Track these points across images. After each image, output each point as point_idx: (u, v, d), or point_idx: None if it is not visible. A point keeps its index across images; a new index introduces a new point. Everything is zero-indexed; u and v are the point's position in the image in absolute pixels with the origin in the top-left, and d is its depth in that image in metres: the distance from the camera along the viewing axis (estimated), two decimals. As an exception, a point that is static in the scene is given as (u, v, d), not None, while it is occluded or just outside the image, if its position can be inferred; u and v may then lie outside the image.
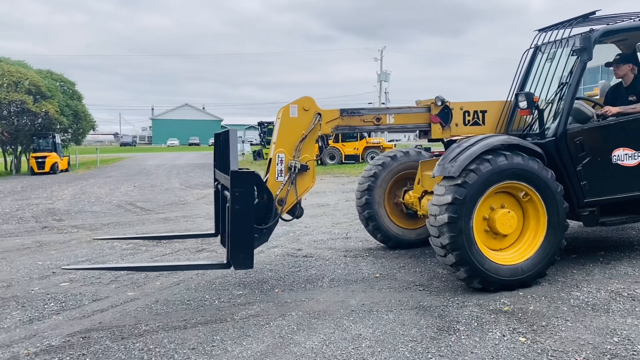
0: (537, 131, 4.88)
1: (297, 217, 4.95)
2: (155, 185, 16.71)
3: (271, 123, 34.35)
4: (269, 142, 33.28)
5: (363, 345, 3.45)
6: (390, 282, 4.86)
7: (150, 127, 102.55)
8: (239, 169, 4.23)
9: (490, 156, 4.33)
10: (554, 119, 4.86)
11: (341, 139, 26.76)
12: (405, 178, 6.10)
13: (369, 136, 26.97)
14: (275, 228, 7.16)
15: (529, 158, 4.43)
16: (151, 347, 3.55)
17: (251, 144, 45.52)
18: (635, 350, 3.17)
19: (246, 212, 4.17)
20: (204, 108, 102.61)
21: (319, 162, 25.82)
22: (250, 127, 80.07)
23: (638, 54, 5.57)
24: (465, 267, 4.27)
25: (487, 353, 3.24)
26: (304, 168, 4.76)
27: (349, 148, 26.51)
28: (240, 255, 4.22)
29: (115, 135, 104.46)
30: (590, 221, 4.98)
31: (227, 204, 4.23)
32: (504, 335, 3.49)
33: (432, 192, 4.63)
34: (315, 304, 4.31)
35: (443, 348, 3.35)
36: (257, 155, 33.75)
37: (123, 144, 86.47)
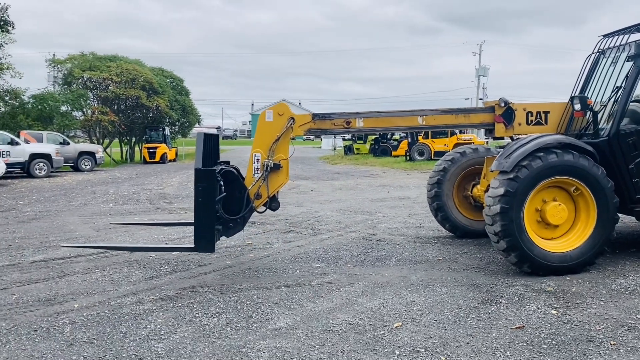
0: (592, 131, 5.23)
1: (273, 210, 5.51)
2: (252, 176, 18.06)
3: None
4: (360, 138, 34.07)
5: (414, 308, 4.12)
6: (450, 264, 5.46)
7: (249, 121, 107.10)
8: (225, 165, 4.92)
9: (542, 153, 4.79)
10: (608, 120, 5.19)
11: (431, 135, 26.93)
12: (474, 173, 6.61)
13: (461, 132, 26.89)
14: (355, 217, 7.96)
15: (579, 156, 4.83)
16: (243, 300, 4.44)
17: (343, 139, 46.53)
18: (653, 326, 3.59)
19: (208, 204, 4.73)
20: (299, 103, 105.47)
21: (408, 157, 26.20)
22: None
23: None
24: (515, 253, 4.78)
25: (519, 320, 3.80)
26: (276, 166, 5.28)
27: (439, 144, 26.62)
28: (202, 240, 4.82)
29: (218, 128, 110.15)
30: None
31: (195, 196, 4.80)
32: (538, 308, 4.01)
33: None
34: (380, 277, 5.02)
35: (482, 315, 3.94)
36: (348, 150, 34.57)
37: (225, 137, 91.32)
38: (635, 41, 5.27)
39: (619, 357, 3.16)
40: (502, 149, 6.96)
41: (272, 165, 5.29)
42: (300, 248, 6.40)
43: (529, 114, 5.79)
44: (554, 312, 3.93)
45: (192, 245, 4.98)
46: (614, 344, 3.33)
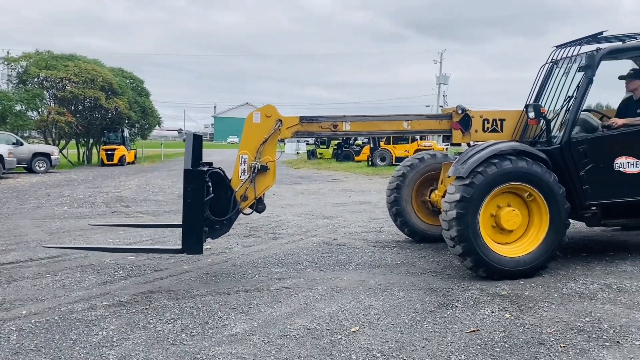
0: (545, 139, 5.39)
1: (258, 212, 5.52)
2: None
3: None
4: (323, 142, 34.19)
5: (371, 313, 4.13)
6: (408, 268, 5.51)
7: (212, 124, 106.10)
8: (217, 167, 4.95)
9: (497, 160, 4.90)
10: (560, 129, 5.36)
11: (392, 141, 27.24)
12: (432, 178, 6.70)
13: (421, 139, 27.30)
14: (316, 222, 7.97)
15: (533, 163, 4.96)
16: (200, 306, 4.36)
17: (307, 144, 46.57)
18: (600, 328, 3.70)
19: (197, 205, 4.72)
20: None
21: (370, 163, 26.42)
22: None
23: None
24: (471, 257, 4.86)
25: (473, 324, 3.86)
26: (264, 168, 5.31)
27: (400, 150, 26.95)
28: (190, 241, 4.79)
29: (179, 131, 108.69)
30: (592, 222, 5.47)
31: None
32: (492, 312, 4.08)
33: None
34: (339, 282, 5.02)
35: (438, 318, 3.99)
36: (312, 154, 34.66)
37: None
38: (585, 53, 5.46)
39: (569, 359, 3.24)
40: (459, 156, 7.11)
41: (259, 167, 5.29)
42: (260, 252, 6.35)
43: (485, 121, 5.90)
44: (507, 315, 4.01)
45: (179, 247, 4.93)
46: (564, 347, 3.41)
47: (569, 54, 5.76)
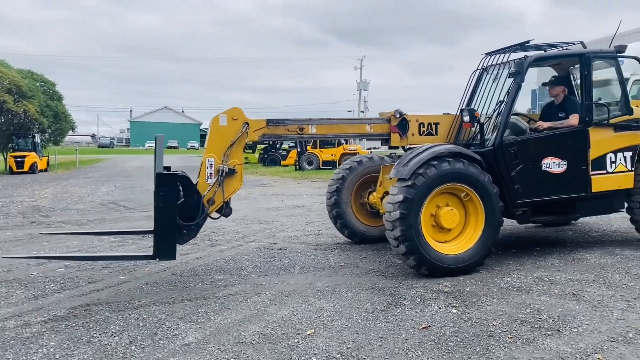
0: (479, 141, 5.67)
1: (225, 216, 5.45)
2: (136, 187, 17.19)
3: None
4: (249, 147, 33.83)
5: (324, 315, 4.15)
6: (352, 269, 5.58)
7: (128, 129, 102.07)
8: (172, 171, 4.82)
9: (436, 162, 5.09)
10: (493, 132, 5.67)
11: (319, 145, 27.49)
12: (370, 181, 6.84)
13: (347, 143, 27.75)
14: (253, 227, 7.91)
15: (469, 164, 5.20)
16: (145, 316, 4.19)
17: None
18: (540, 318, 3.94)
19: (169, 209, 4.64)
20: (182, 111, 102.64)
21: (297, 167, 26.51)
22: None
23: (571, 77, 6.43)
24: (414, 256, 5.02)
25: (424, 320, 3.98)
26: (231, 172, 5.23)
27: (327, 154, 27.24)
28: (163, 247, 4.69)
29: (93, 136, 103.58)
30: (522, 219, 5.82)
31: (154, 202, 4.69)
32: (440, 308, 4.23)
33: None
34: (286, 286, 5.00)
35: (389, 317, 4.07)
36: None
37: (101, 146, 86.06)
38: (514, 60, 5.81)
39: (517, 349, 3.42)
40: (393, 158, 7.30)
41: (227, 170, 5.19)
42: (199, 260, 6.19)
43: (421, 125, 6.12)
44: (454, 311, 4.17)
45: (150, 254, 4.78)
46: (511, 337, 3.60)
47: (498, 61, 6.10)
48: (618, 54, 6.12)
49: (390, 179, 5.34)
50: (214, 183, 5.19)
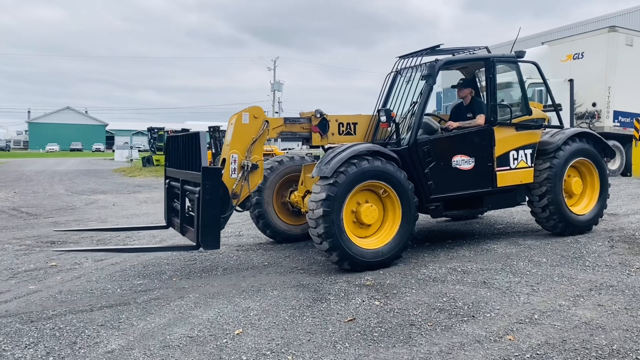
0: (395, 140, 5.92)
1: (247, 210, 5.87)
2: (38, 192, 16.13)
3: (161, 129, 33.82)
4: (159, 149, 32.79)
5: (251, 314, 4.16)
6: (276, 268, 5.62)
7: (26, 131, 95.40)
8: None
9: (356, 160, 5.27)
10: (407, 131, 5.95)
11: (233, 146, 27.16)
12: (292, 180, 6.91)
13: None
14: (170, 230, 7.75)
15: (386, 162, 5.43)
16: (61, 326, 3.98)
17: (139, 151, 44.20)
18: (456, 306, 4.20)
19: (214, 201, 4.98)
20: (86, 112, 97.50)
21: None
22: (138, 133, 77.30)
23: (477, 79, 6.88)
24: (337, 252, 5.15)
25: (349, 313, 4.10)
26: (254, 167, 5.57)
27: (241, 155, 26.98)
28: (209, 237, 4.99)
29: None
30: (435, 214, 6.16)
31: (196, 195, 5.00)
32: (363, 301, 4.38)
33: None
34: (210, 288, 4.95)
35: (315, 312, 4.16)
36: (147, 161, 33.04)
37: (-6, 149, 79.75)
38: (426, 63, 6.12)
39: (437, 336, 3.62)
40: (311, 157, 7.42)
41: (251, 166, 5.52)
42: (116, 266, 5.96)
43: (341, 125, 6.29)
44: (377, 303, 4.33)
45: (194, 244, 5.09)
46: (431, 325, 3.80)
47: (411, 64, 6.39)
48: (518, 59, 6.60)
49: (313, 177, 5.44)
50: (240, 178, 5.51)
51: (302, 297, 4.57)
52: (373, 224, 5.54)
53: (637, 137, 15.15)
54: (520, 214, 8.81)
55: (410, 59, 6.46)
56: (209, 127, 27.87)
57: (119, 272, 5.66)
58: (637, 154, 15.06)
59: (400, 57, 6.67)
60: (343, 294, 4.60)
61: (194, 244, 5.13)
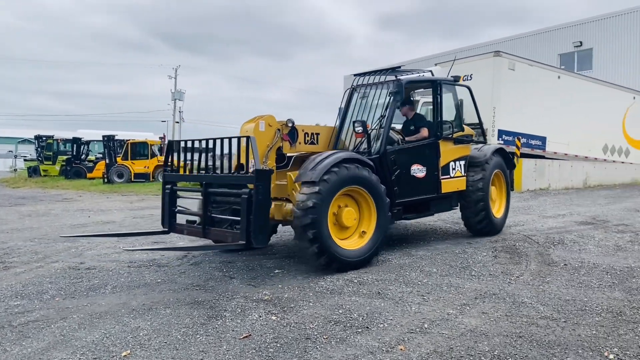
0: (366, 150, 6.51)
1: None
2: None
3: (51, 137, 31.60)
4: (47, 158, 30.63)
5: (141, 334, 3.95)
6: (170, 285, 5.40)
7: None
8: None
9: (337, 168, 5.64)
10: (377, 141, 6.55)
11: (131, 156, 26.06)
12: None
13: (161, 154, 26.73)
14: (55, 246, 7.28)
15: (363, 168, 5.87)
16: None
17: (25, 160, 40.90)
18: (352, 317, 4.26)
19: (266, 200, 5.22)
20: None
21: (106, 180, 24.74)
22: (25, 141, 71.68)
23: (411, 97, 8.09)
24: (325, 255, 5.51)
25: (244, 329, 4.02)
26: (270, 171, 5.56)
27: (139, 166, 25.94)
28: (260, 235, 5.17)
29: None
30: (397, 217, 6.76)
31: (245, 196, 5.18)
32: (260, 316, 4.32)
33: None
34: (97, 307, 4.64)
35: (210, 330, 4.03)
36: (33, 172, 30.72)
37: None
38: (392, 80, 6.84)
39: (332, 349, 3.64)
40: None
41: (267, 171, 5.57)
42: (-12, 286, 5.43)
43: (306, 135, 6.60)
44: (274, 317, 4.28)
45: (244, 242, 5.21)
46: (327, 338, 3.82)
47: (367, 82, 7.17)
48: (455, 83, 7.67)
49: (296, 182, 5.69)
50: None
51: (196, 314, 4.42)
52: (351, 226, 5.91)
53: (518, 155, 16.45)
54: (414, 225, 9.19)
55: (367, 77, 7.19)
56: (103, 137, 26.54)
57: (-8, 293, 5.15)
58: (518, 171, 16.33)
59: (356, 74, 7.35)
60: (239, 310, 4.50)
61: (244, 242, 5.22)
